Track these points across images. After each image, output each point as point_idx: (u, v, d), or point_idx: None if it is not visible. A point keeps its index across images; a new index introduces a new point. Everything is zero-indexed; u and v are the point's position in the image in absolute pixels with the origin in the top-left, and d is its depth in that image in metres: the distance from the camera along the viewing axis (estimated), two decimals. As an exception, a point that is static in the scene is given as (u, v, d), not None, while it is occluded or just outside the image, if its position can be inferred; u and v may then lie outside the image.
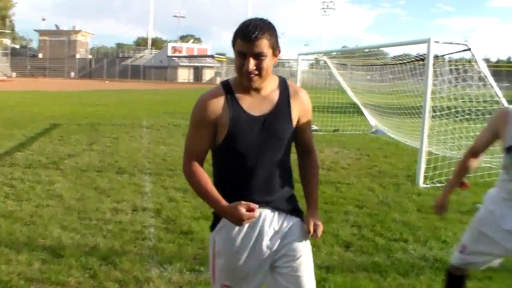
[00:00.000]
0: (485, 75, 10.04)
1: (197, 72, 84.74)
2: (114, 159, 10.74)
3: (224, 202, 2.66)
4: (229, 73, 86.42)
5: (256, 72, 2.57)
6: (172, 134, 15.19)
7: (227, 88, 2.74)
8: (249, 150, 2.70)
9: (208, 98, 2.72)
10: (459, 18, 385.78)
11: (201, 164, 2.81)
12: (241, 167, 2.74)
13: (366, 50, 15.51)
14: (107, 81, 69.62)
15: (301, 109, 2.84)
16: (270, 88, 2.76)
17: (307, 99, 2.89)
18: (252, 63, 2.54)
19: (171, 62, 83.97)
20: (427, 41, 9.38)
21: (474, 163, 3.68)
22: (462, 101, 11.19)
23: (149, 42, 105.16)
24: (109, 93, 39.06)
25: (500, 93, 10.21)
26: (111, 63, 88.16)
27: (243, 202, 2.58)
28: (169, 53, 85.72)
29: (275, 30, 2.63)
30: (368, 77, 17.54)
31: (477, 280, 4.96)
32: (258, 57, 2.55)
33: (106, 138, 13.96)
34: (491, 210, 3.56)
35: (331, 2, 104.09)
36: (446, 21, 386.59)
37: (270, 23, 2.62)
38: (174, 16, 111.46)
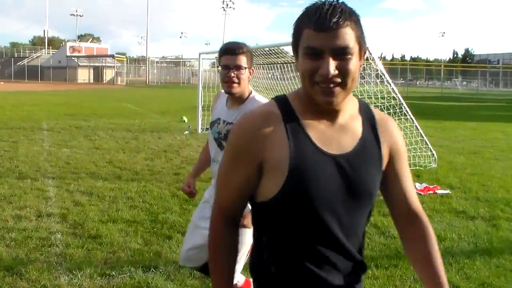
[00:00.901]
0: (382, 73, 10.44)
1: (98, 72, 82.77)
2: (14, 164, 10.29)
3: None
4: (130, 73, 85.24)
5: (339, 80, 1.64)
6: (74, 136, 14.75)
7: (286, 108, 1.78)
8: (323, 208, 1.71)
9: (258, 119, 1.76)
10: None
11: (237, 226, 1.92)
12: (308, 235, 1.75)
13: (267, 49, 15.72)
14: (2, 82, 66.53)
15: (393, 147, 1.89)
16: (349, 112, 1.82)
17: (399, 132, 1.95)
18: (332, 65, 1.62)
19: (70, 62, 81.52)
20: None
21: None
22: (361, 98, 11.56)
23: (46, 41, 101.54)
24: (4, 95, 37.31)
25: (396, 90, 10.67)
26: (6, 63, 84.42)
27: None
28: (68, 53, 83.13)
29: (359, 18, 1.72)
30: (270, 75, 17.76)
31: (383, 268, 5.18)
32: (342, 55, 1.63)
33: (3, 142, 13.34)
34: (205, 199, 3.71)
35: (230, 1, 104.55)
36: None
37: (351, 8, 1.70)
38: (71, 14, 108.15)
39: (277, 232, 1.78)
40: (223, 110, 3.48)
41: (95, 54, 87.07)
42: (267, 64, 17.06)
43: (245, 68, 3.31)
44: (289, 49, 21.32)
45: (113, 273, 4.98)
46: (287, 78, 15.92)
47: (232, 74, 3.27)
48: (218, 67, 3.38)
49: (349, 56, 1.64)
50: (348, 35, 1.63)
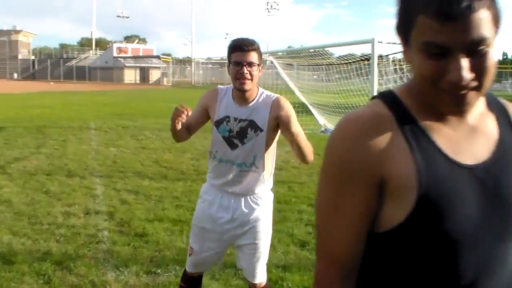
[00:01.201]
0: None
1: (144, 73, 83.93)
2: (63, 162, 10.55)
3: None
4: (175, 74, 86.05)
5: (474, 83, 1.21)
6: (121, 136, 15.01)
7: (397, 108, 1.34)
8: (463, 239, 1.25)
9: (366, 123, 1.31)
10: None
11: (354, 281, 1.37)
12: (439, 278, 1.28)
13: (312, 50, 15.69)
14: (51, 83, 68.14)
15: None
16: (478, 109, 1.38)
17: None
18: (466, 67, 1.18)
19: (117, 63, 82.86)
20: (371, 41, 9.55)
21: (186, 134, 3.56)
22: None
23: (93, 42, 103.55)
24: (54, 95, 38.21)
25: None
26: (55, 64, 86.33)
27: None
28: (115, 54, 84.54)
29: None
30: (315, 76, 17.71)
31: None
32: (477, 50, 1.18)
33: (53, 140, 13.69)
34: (209, 201, 3.55)
35: (275, 2, 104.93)
36: (388, 22, 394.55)
37: None
38: (118, 16, 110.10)
39: (395, 276, 1.31)
40: (231, 107, 3.41)
41: (141, 55, 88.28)
42: (312, 65, 17.02)
43: (257, 64, 3.30)
44: (334, 50, 21.23)
45: (159, 271, 5.04)
46: (333, 79, 15.84)
47: (245, 71, 3.24)
48: (229, 64, 3.34)
49: (486, 49, 1.18)
50: (483, 21, 1.15)
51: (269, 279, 4.85)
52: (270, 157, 3.46)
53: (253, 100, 3.38)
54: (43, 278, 4.83)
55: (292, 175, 9.67)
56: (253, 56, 3.26)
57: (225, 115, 3.39)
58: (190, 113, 3.30)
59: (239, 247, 3.57)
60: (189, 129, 3.55)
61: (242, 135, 3.35)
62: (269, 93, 3.46)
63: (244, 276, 3.75)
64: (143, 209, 7.17)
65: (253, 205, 3.45)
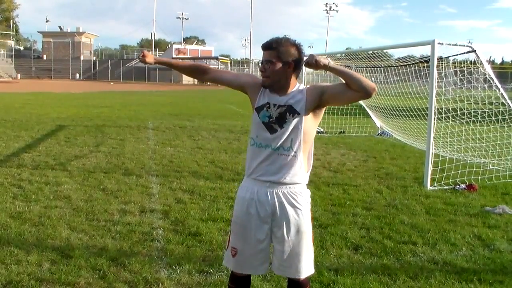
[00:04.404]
0: (490, 77, 9.99)
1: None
2: (120, 161, 10.75)
3: None
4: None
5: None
6: (178, 136, 15.19)
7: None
8: None
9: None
10: (462, 20, 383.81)
11: None
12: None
13: (370, 52, 15.48)
14: (111, 83, 69.75)
15: None
16: None
17: None
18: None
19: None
20: (431, 42, 9.37)
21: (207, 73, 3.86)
22: (468, 103, 11.14)
23: (153, 43, 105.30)
24: (114, 95, 39.08)
25: (505, 95, 10.18)
26: (116, 64, 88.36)
27: None
28: (174, 55, 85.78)
29: None
30: (373, 79, 17.43)
31: (487, 283, 4.94)
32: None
33: (112, 139, 13.98)
34: (246, 199, 3.57)
35: (333, 4, 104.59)
36: (449, 23, 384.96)
37: None
38: (177, 17, 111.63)
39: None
40: (271, 95, 3.57)
41: (199, 56, 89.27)
42: (370, 67, 16.80)
43: (274, 62, 3.45)
44: (393, 52, 20.93)
45: (211, 270, 5.06)
46: (391, 81, 15.59)
47: (263, 69, 3.48)
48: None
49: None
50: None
51: (320, 282, 4.82)
52: (308, 148, 3.56)
53: (291, 91, 3.56)
54: (98, 273, 4.92)
55: (347, 178, 9.56)
56: (272, 55, 3.46)
57: (266, 102, 3.56)
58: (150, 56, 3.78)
59: (279, 245, 3.56)
60: (209, 74, 3.85)
61: (281, 120, 3.49)
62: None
63: (286, 275, 3.71)
64: (197, 209, 7.21)
65: (291, 200, 3.51)
